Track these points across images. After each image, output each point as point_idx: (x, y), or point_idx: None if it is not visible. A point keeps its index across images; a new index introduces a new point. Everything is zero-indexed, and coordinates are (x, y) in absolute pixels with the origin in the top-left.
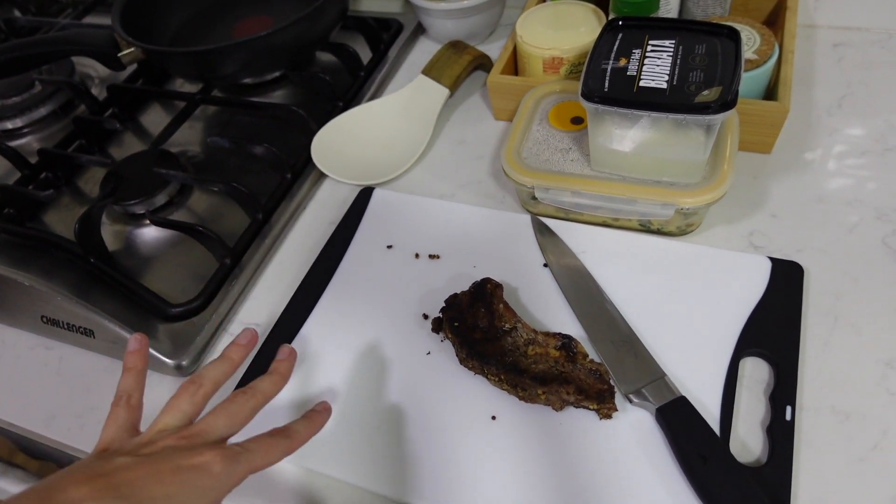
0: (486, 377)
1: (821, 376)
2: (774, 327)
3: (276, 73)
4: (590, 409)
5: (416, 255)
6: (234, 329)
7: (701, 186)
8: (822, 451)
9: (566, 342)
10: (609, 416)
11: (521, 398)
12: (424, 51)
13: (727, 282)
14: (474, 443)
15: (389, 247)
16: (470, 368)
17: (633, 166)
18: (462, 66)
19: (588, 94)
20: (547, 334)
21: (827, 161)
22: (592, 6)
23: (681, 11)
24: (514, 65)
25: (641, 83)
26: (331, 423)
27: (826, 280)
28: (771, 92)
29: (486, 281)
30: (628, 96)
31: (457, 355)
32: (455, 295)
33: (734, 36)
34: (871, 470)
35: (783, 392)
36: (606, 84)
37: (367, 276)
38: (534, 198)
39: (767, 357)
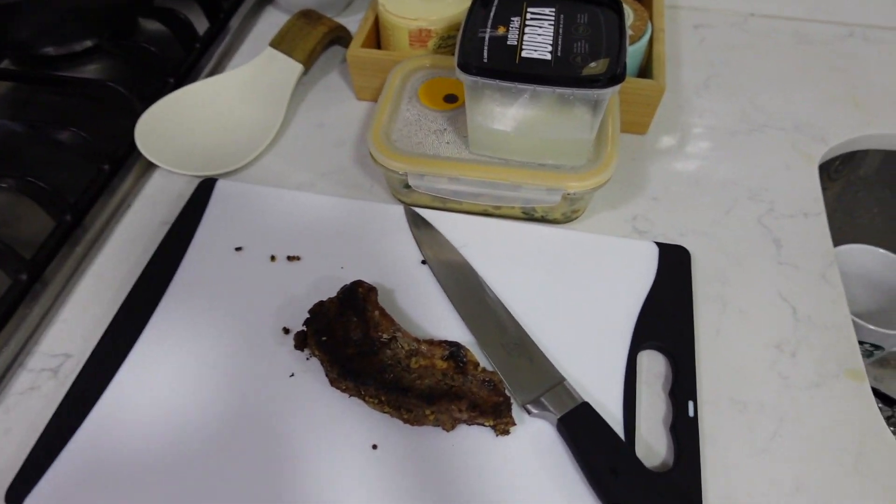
0: (364, 399)
1: (716, 367)
2: (668, 317)
3: (88, 43)
4: (485, 426)
5: (272, 258)
6: (34, 364)
7: (587, 169)
8: (725, 446)
9: (454, 350)
10: (507, 432)
11: (406, 421)
12: (272, 22)
13: (617, 270)
14: (352, 478)
15: (238, 249)
16: (343, 390)
17: (516, 148)
18: (316, 38)
19: (465, 66)
20: (431, 343)
21: (699, 141)
22: None
23: None
24: (377, 38)
25: (523, 53)
26: (168, 480)
27: (711, 264)
28: (644, 70)
29: (357, 284)
30: (510, 67)
31: (326, 376)
32: (321, 303)
33: (616, 6)
34: (772, 460)
35: (683, 387)
36: (485, 54)
37: (211, 287)
38: (406, 186)
39: (664, 349)
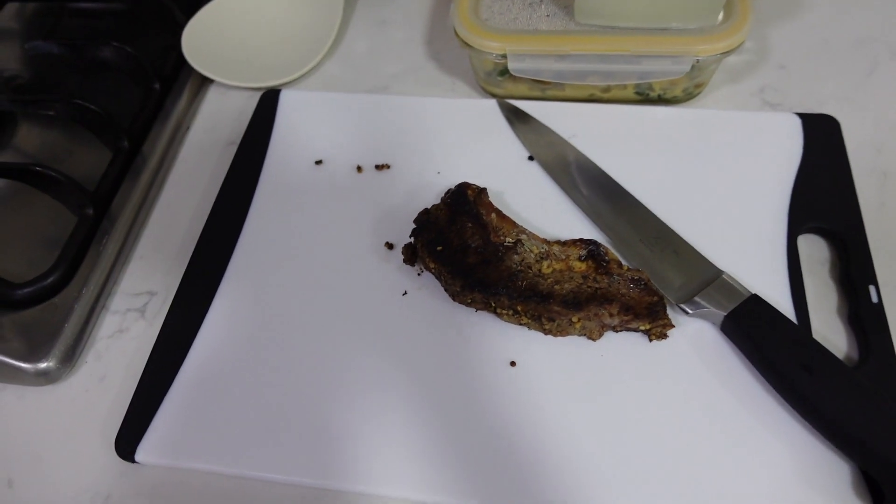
0: (496, 312)
1: (888, 244)
2: (825, 195)
3: None
4: (638, 331)
5: (359, 169)
6: (118, 305)
7: (720, 30)
8: None
9: (592, 249)
10: (664, 335)
11: (547, 332)
12: None
13: (757, 148)
14: (489, 400)
15: (319, 162)
16: (469, 304)
17: (634, 11)
18: None
19: None
20: (563, 243)
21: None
22: None
23: None
24: None
25: None
26: (282, 412)
27: (861, 132)
28: None
29: (465, 186)
30: None
31: (446, 290)
32: (426, 211)
33: None
34: None
35: (860, 270)
36: None
37: (296, 206)
38: (501, 73)
39: (826, 231)
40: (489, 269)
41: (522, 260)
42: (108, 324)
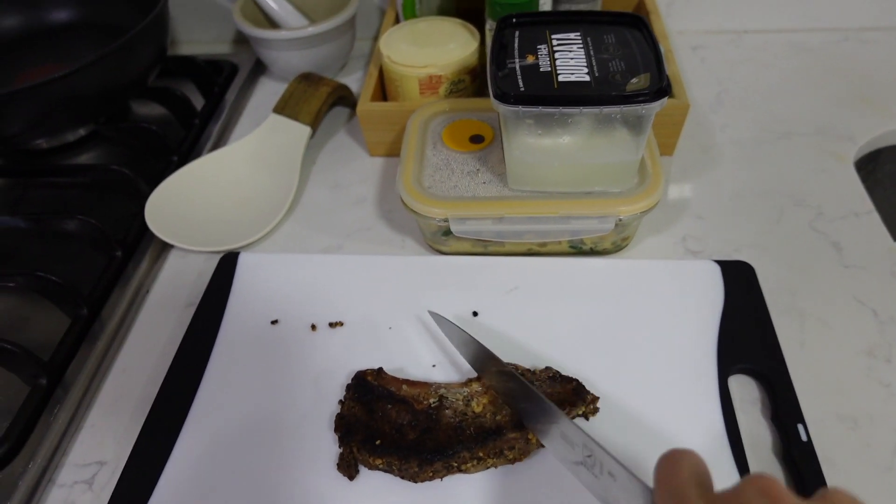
0: (461, 470)
1: (811, 382)
2: (749, 337)
3: (82, 132)
4: (576, 416)
5: (313, 327)
6: (66, 478)
7: (637, 192)
8: (846, 469)
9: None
10: (597, 409)
11: (513, 460)
12: (268, 91)
13: (682, 295)
14: None
15: (275, 322)
16: (432, 477)
17: (559, 179)
18: (321, 99)
19: (503, 96)
20: (470, 381)
21: (728, 155)
22: (458, 20)
23: None
24: (382, 92)
25: (560, 78)
26: None
27: (775, 276)
28: None
29: (362, 374)
30: (550, 92)
31: (404, 477)
32: (340, 416)
33: (639, 22)
34: None
35: (788, 409)
36: (520, 83)
37: (252, 367)
38: (445, 234)
39: (753, 372)
40: (433, 434)
41: (455, 411)
42: (53, 498)
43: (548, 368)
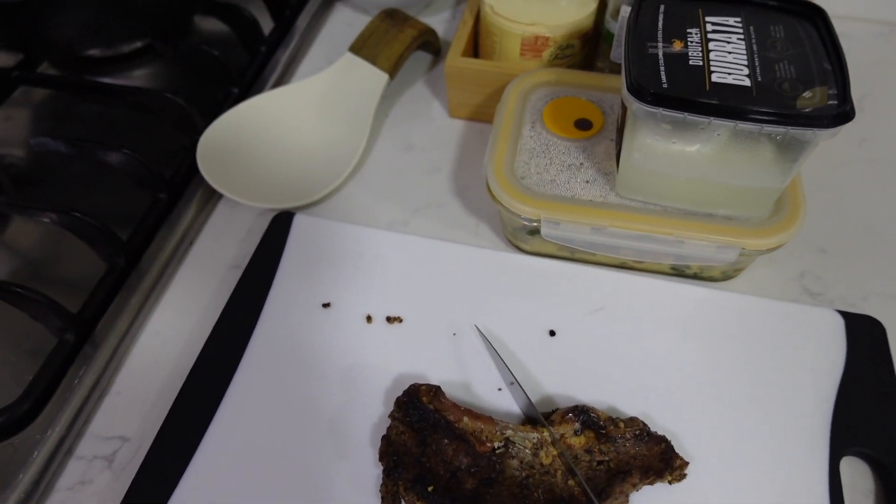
0: None
1: None
2: (871, 412)
3: (138, 44)
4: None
5: (368, 319)
6: (85, 450)
7: (770, 223)
8: None
9: (585, 419)
10: (684, 476)
11: None
12: (344, 22)
13: (797, 347)
14: None
15: (326, 305)
16: None
17: (680, 194)
18: (404, 43)
19: (639, 92)
20: (551, 422)
21: (864, 176)
22: None
23: None
24: (473, 44)
25: (714, 77)
26: None
27: None
28: None
29: (417, 391)
30: (700, 96)
31: None
32: (387, 439)
33: (816, 15)
34: None
35: None
36: (663, 76)
37: (296, 356)
38: (531, 232)
39: (870, 458)
40: (495, 489)
41: (522, 462)
42: (70, 471)
43: (634, 420)
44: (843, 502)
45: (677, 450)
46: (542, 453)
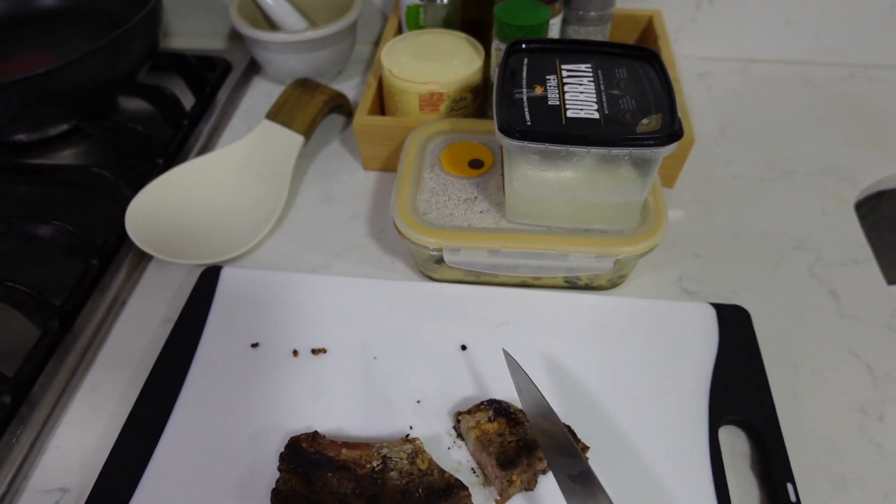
0: None
1: (802, 437)
2: (742, 386)
3: (64, 126)
4: None
5: (295, 353)
6: None
7: (637, 233)
8: None
9: (497, 407)
10: (587, 448)
11: None
12: (262, 93)
13: (676, 337)
14: None
15: (255, 345)
16: None
17: (559, 214)
18: (316, 107)
19: (508, 130)
20: (469, 411)
21: (730, 192)
22: (462, 34)
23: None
24: (380, 103)
25: (569, 113)
26: None
27: (771, 322)
28: None
29: (296, 441)
30: (558, 129)
31: None
32: (276, 491)
33: (652, 57)
34: None
35: (778, 467)
36: (527, 116)
37: (228, 394)
38: (438, 261)
39: (744, 424)
40: (380, 501)
41: (401, 471)
42: None
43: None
44: (723, 465)
45: (579, 436)
46: (417, 460)
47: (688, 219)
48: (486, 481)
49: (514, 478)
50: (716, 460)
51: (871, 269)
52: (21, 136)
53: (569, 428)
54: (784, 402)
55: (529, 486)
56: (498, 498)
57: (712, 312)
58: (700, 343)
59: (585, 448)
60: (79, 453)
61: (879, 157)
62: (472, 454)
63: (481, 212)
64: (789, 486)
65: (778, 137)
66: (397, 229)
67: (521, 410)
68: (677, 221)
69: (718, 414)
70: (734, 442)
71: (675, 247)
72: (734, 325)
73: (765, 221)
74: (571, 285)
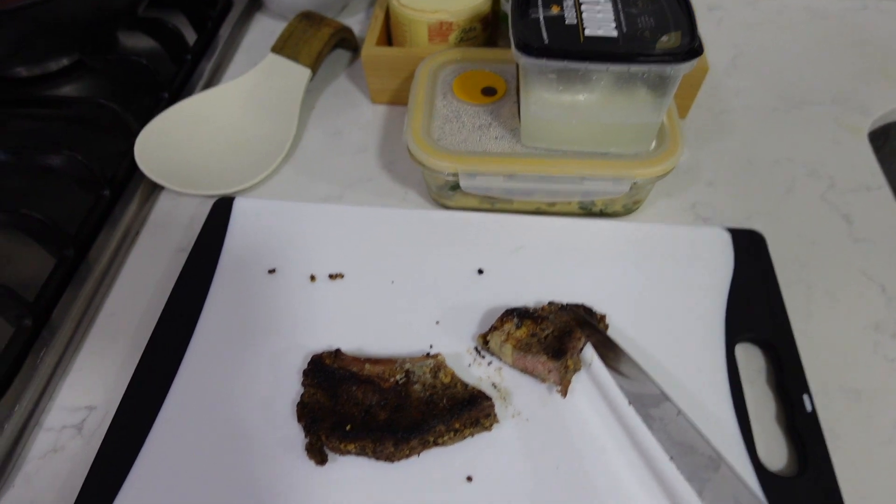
0: (437, 444)
1: (817, 354)
2: (758, 306)
3: (65, 61)
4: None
5: (312, 278)
6: (53, 421)
7: (654, 155)
8: (847, 440)
9: (517, 312)
10: (607, 326)
11: (489, 427)
12: (265, 29)
13: (692, 261)
14: None
15: (272, 271)
16: (409, 455)
17: (575, 137)
18: (322, 40)
19: (525, 47)
20: (492, 328)
21: (742, 121)
22: None
23: None
24: (387, 36)
25: (587, 32)
26: None
27: (785, 246)
28: None
29: (319, 358)
30: (576, 47)
31: (379, 458)
32: (302, 404)
33: None
34: None
35: (793, 380)
36: (545, 35)
37: (247, 316)
38: (453, 188)
39: (760, 341)
40: (405, 412)
41: (424, 385)
42: (40, 442)
43: (551, 303)
44: (740, 380)
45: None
46: (440, 374)
47: (700, 149)
48: (544, 379)
49: (570, 363)
50: (733, 376)
51: (885, 195)
52: (21, 70)
53: (582, 305)
54: (799, 321)
55: (578, 366)
56: (559, 388)
57: (727, 237)
58: (716, 266)
59: (604, 316)
60: (102, 374)
61: (891, 89)
62: (514, 365)
63: (496, 137)
64: (805, 397)
65: (789, 69)
66: (411, 155)
67: (540, 307)
68: (690, 150)
69: (735, 332)
70: (750, 359)
71: (689, 175)
72: (749, 248)
73: (777, 150)
74: (586, 212)
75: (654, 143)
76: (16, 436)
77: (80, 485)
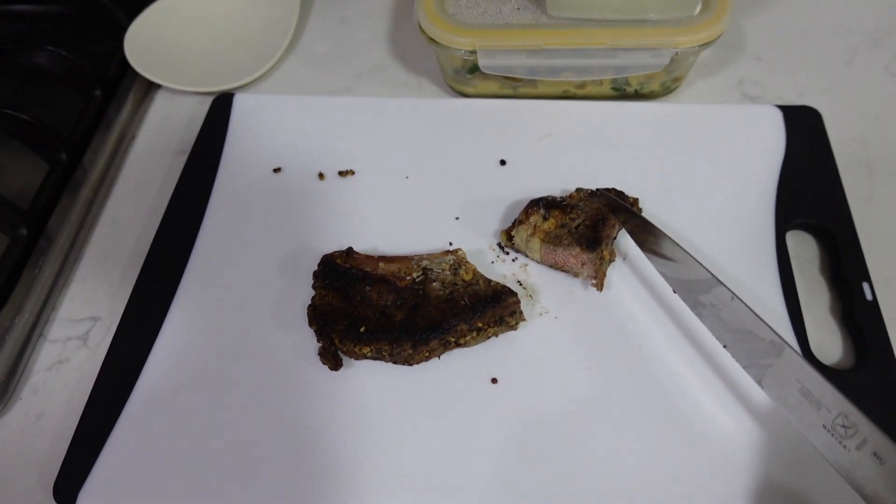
0: (459, 344)
1: (878, 239)
2: (811, 190)
3: None
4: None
5: (321, 175)
6: (58, 333)
7: (697, 21)
8: None
9: (543, 202)
10: (640, 209)
11: (515, 326)
12: None
13: (739, 143)
14: (478, 417)
15: (277, 170)
16: (428, 357)
17: (608, 2)
18: None
19: None
20: (517, 221)
21: None
22: None
23: None
24: None
25: None
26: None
27: (843, 124)
28: None
29: (330, 258)
30: None
31: (396, 362)
32: (313, 306)
33: None
34: None
35: (852, 267)
36: None
37: (253, 218)
38: (471, 70)
39: (815, 228)
40: (424, 311)
41: (444, 282)
42: (45, 354)
43: (579, 189)
44: (791, 269)
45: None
46: (461, 271)
47: (747, 19)
48: (577, 273)
49: (605, 253)
50: (783, 263)
51: None
52: None
53: (613, 189)
54: (859, 205)
55: (613, 256)
56: (594, 282)
57: (778, 115)
58: (765, 148)
59: (636, 199)
60: (105, 284)
61: None
62: (543, 260)
63: (518, 8)
64: (865, 285)
65: None
66: (423, 32)
67: (568, 195)
68: (734, 20)
69: (786, 219)
70: (802, 247)
71: (734, 50)
72: (803, 127)
73: (835, 19)
74: (620, 93)
75: (698, 7)
76: (20, 348)
77: (88, 395)
